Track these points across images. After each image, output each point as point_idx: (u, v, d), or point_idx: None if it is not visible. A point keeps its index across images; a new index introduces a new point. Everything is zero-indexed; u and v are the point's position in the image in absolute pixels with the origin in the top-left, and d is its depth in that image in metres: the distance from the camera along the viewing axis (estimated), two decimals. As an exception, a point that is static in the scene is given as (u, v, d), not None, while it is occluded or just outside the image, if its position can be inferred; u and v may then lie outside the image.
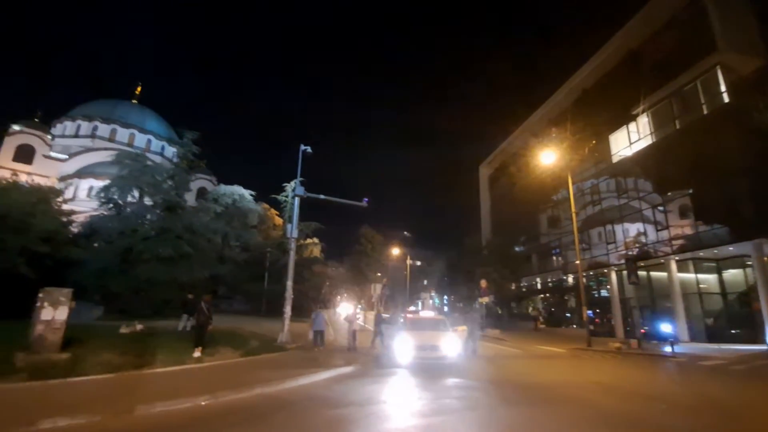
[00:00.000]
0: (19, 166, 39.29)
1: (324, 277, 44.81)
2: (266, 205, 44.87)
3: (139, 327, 14.20)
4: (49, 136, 45.13)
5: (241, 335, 15.17)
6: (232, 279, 32.27)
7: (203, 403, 6.27)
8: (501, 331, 26.43)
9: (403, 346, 11.00)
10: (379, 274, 57.56)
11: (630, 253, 23.78)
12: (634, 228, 24.71)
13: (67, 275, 19.68)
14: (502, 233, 40.52)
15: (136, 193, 26.43)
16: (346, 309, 23.28)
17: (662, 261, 21.71)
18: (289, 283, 14.56)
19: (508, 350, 17.23)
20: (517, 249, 38.62)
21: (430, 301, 62.88)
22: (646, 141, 23.85)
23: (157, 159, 45.05)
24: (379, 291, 50.03)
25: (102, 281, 21.40)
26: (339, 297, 60.09)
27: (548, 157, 22.27)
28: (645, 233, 23.70)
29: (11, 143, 41.31)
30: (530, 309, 36.56)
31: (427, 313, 18.37)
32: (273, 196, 39.68)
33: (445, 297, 58.62)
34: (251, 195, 40.20)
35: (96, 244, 24.25)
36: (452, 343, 11.03)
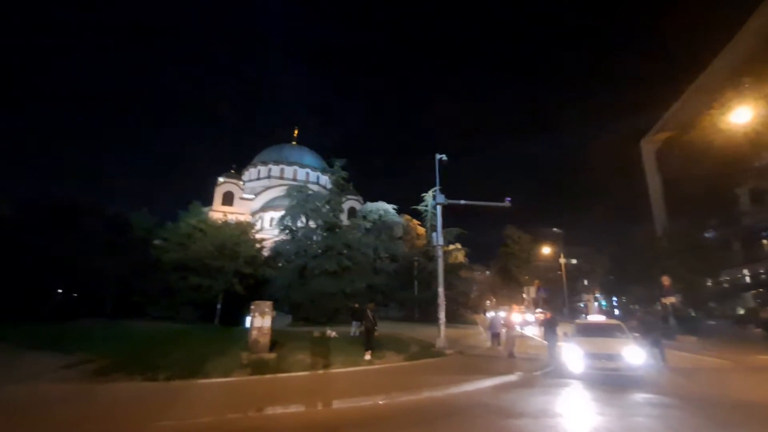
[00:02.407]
0: (225, 208, 51.30)
1: (471, 282, 44.21)
2: (408, 217, 47.13)
3: (332, 334, 16.21)
4: (242, 182, 57.64)
5: (402, 340, 16.17)
6: (386, 288, 34.79)
7: (381, 402, 6.96)
8: (698, 338, 21.30)
9: (574, 354, 9.98)
10: (527, 277, 53.59)
11: None
12: None
13: (263, 290, 24.59)
14: (682, 218, 32.88)
15: (303, 219, 31.26)
16: (491, 314, 22.60)
17: None
18: (441, 290, 14.92)
19: (711, 361, 13.78)
20: (707, 235, 30.75)
21: (595, 304, 55.07)
22: None
23: (315, 188, 52.43)
24: (533, 294, 46.50)
25: (288, 294, 25.91)
26: (488, 302, 58.20)
27: (742, 114, 17.27)
28: None
29: (219, 192, 54.37)
30: (740, 309, 28.43)
31: (597, 318, 16.22)
32: (413, 207, 41.48)
33: (614, 298, 50.49)
34: (394, 209, 42.89)
35: (280, 264, 29.57)
36: (635, 352, 9.50)
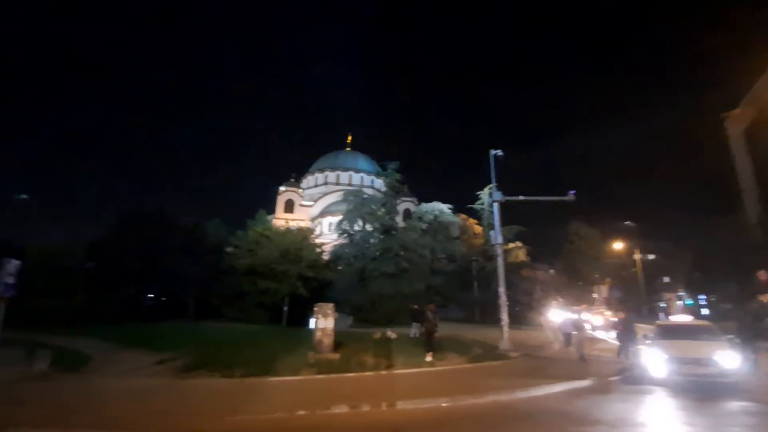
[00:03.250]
0: (287, 215, 54.14)
1: (534, 281, 42.09)
2: (464, 216, 46.15)
3: (392, 335, 16.45)
4: (301, 190, 60.48)
5: (464, 342, 15.89)
6: (444, 289, 34.36)
7: (444, 405, 6.92)
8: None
9: (655, 358, 9.10)
10: (597, 275, 49.71)
11: None
12: None
13: (325, 293, 25.50)
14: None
15: (360, 223, 31.95)
16: (562, 315, 21.21)
17: None
18: (502, 290, 14.44)
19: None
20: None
21: (679, 303, 49.45)
22: None
23: (370, 192, 53.34)
24: (605, 293, 43.05)
25: (348, 296, 26.61)
26: (554, 302, 54.77)
27: None
28: None
29: (281, 200, 57.58)
30: None
31: (682, 318, 14.61)
32: (469, 206, 40.58)
33: (702, 297, 44.99)
34: (449, 208, 42.27)
35: (340, 267, 30.49)
36: (729, 356, 8.44)
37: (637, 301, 43.81)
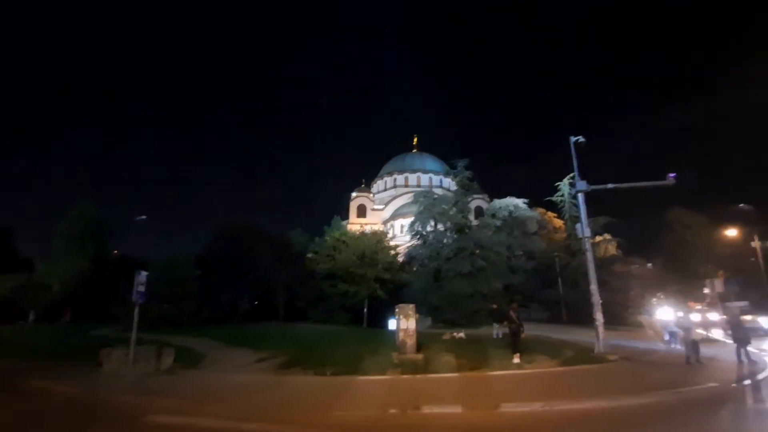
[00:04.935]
0: (360, 220, 56.05)
1: (629, 277, 38.07)
2: (542, 210, 43.53)
3: (459, 335, 16.50)
4: (371, 195, 62.20)
5: (552, 344, 15.04)
6: (525, 287, 32.74)
7: (540, 408, 6.64)
8: None
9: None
10: (709, 266, 43.19)
11: None
12: None
13: (402, 294, 25.87)
14: None
15: (432, 223, 31.86)
16: (668, 313, 18.76)
17: None
18: (594, 287, 13.38)
19: None
20: None
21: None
22: None
23: (439, 192, 52.88)
24: (719, 287, 37.36)
25: (425, 297, 26.67)
26: (654, 299, 48.85)
27: None
28: None
29: (353, 206, 59.82)
30: None
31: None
32: (547, 199, 38.19)
33: None
34: (525, 203, 40.21)
35: (414, 269, 30.69)
36: None
37: (759, 296, 37.36)
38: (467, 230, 29.50)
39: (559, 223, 42.28)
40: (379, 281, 26.20)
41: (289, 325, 22.02)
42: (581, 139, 14.90)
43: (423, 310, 26.59)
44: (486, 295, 24.51)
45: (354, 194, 61.00)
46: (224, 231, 28.71)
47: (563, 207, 35.80)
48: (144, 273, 11.81)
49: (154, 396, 8.90)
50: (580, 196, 14.59)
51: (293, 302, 27.95)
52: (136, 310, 11.86)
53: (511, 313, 11.82)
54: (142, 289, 11.61)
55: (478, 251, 27.12)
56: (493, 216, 40.09)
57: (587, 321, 13.33)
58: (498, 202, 42.27)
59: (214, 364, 12.85)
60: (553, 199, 37.11)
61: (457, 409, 6.69)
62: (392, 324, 23.48)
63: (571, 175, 33.22)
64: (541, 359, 11.34)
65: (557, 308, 33.11)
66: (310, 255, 29.99)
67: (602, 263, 32.81)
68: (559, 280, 33.33)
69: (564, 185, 34.95)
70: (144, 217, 29.26)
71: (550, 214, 43.87)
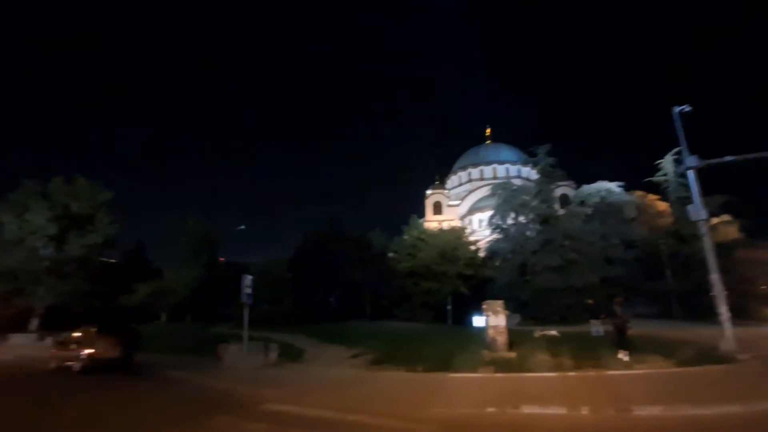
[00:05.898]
0: (436, 217, 55.70)
1: (755, 264, 32.17)
2: (641, 192, 38.93)
3: (551, 332, 15.57)
4: (446, 191, 61.44)
5: (664, 341, 13.42)
6: (626, 280, 29.62)
7: (658, 413, 6.04)
8: None
9: None
10: None
11: None
12: None
13: (486, 290, 25.18)
14: None
15: (513, 215, 30.46)
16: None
17: None
18: (715, 276, 11.63)
19: None
20: None
21: None
22: None
23: (518, 182, 50.25)
24: None
25: (510, 293, 25.62)
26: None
27: None
28: None
29: (428, 203, 59.62)
30: None
31: None
32: (647, 179, 34.09)
33: None
34: (619, 186, 36.32)
35: (497, 263, 29.63)
36: None
37: None
38: (553, 221, 27.64)
39: (662, 206, 37.45)
40: (461, 278, 25.86)
41: (375, 323, 22.84)
42: (687, 108, 13.07)
43: (510, 306, 25.56)
44: (580, 290, 22.74)
45: (429, 192, 60.80)
46: (311, 235, 30.89)
47: (667, 188, 31.74)
48: (249, 277, 13.24)
49: (266, 386, 9.95)
50: (691, 173, 12.76)
51: (378, 301, 28.86)
52: (246, 310, 13.35)
53: (614, 307, 10.85)
54: (249, 291, 13.02)
55: (567, 242, 25.24)
56: (582, 203, 36.98)
57: (704, 315, 11.59)
58: (587, 188, 38.80)
59: (313, 359, 13.90)
60: (655, 179, 33.04)
61: (560, 410, 6.38)
62: (478, 321, 23.00)
63: (676, 150, 29.40)
64: (654, 359, 10.19)
65: (666, 302, 29.38)
66: (391, 254, 30.68)
67: (722, 249, 28.26)
68: (667, 270, 29.54)
69: (667, 163, 31.00)
70: (243, 226, 32.80)
71: (651, 196, 39.09)
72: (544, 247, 25.69)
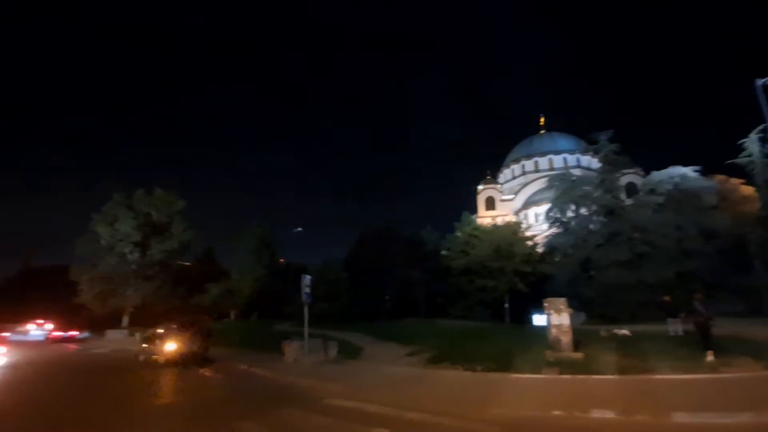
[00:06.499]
0: (489, 213, 54.21)
1: None
2: (721, 177, 34.97)
3: (622, 331, 14.52)
4: (499, 185, 59.46)
5: (756, 342, 11.96)
6: (706, 274, 26.73)
7: (749, 420, 5.46)
8: None
9: None
10: None
11: None
12: None
13: (545, 287, 24.04)
14: None
15: (573, 208, 28.75)
16: None
17: None
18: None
19: None
20: None
21: None
22: None
23: (577, 172, 47.33)
24: None
25: (573, 290, 24.21)
26: None
27: None
28: None
29: (480, 199, 58.10)
30: None
31: None
32: (728, 162, 30.44)
33: None
34: (695, 171, 32.85)
35: (557, 259, 28.15)
36: None
37: None
38: (620, 212, 25.74)
39: (748, 190, 33.29)
40: (518, 274, 24.91)
41: (430, 321, 22.77)
42: (771, 80, 11.58)
43: (573, 304, 24.23)
44: (652, 286, 20.95)
45: (480, 187, 59.26)
46: (365, 235, 31.64)
47: (753, 170, 28.11)
48: (308, 277, 13.87)
49: (327, 382, 10.37)
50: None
51: (432, 299, 28.75)
52: (306, 309, 13.99)
53: (696, 304, 9.91)
54: (308, 290, 13.64)
55: (636, 235, 23.38)
56: (653, 192, 33.95)
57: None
58: (657, 175, 35.56)
59: (371, 356, 14.21)
60: (738, 161, 29.42)
61: (635, 416, 5.96)
62: (538, 319, 22.06)
63: (761, 128, 26.15)
64: (743, 361, 9.13)
65: (756, 298, 26.07)
66: (443, 252, 30.37)
67: (831, 237, 24.56)
68: (756, 262, 26.21)
69: (752, 142, 27.48)
70: (300, 229, 34.41)
71: (734, 180, 35.01)
72: (610, 241, 23.99)
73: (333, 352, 14.56)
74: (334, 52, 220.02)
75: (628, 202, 33.78)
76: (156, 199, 34.05)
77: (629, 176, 46.47)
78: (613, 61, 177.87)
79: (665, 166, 35.50)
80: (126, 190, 33.89)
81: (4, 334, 26.36)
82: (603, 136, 27.66)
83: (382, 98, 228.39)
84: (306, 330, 13.86)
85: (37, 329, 33.63)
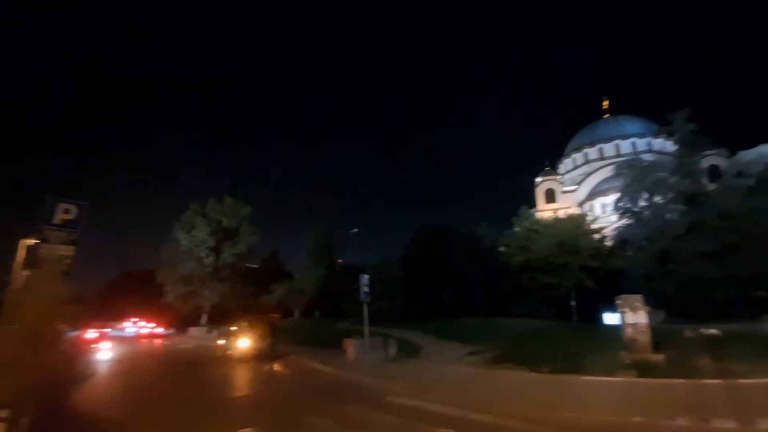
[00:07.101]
0: (549, 206, 51.29)
1: None
2: (830, 152, 29.99)
3: (710, 331, 13.10)
4: (559, 176, 56.05)
5: None
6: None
7: None
8: None
9: None
10: None
11: None
12: None
13: (616, 283, 22.27)
14: None
15: (645, 196, 26.35)
16: None
17: None
18: None
19: None
20: None
21: None
22: None
23: (649, 157, 43.20)
24: None
25: (649, 286, 22.14)
26: None
27: None
28: None
29: (539, 191, 55.19)
30: None
31: None
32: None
33: None
34: (794, 147, 28.59)
35: (629, 253, 25.94)
36: None
37: None
38: (702, 198, 23.08)
39: None
40: (585, 270, 23.26)
41: (490, 319, 22.09)
42: None
43: (649, 301, 22.21)
44: (744, 280, 18.58)
45: (539, 179, 56.35)
46: (421, 233, 31.61)
47: None
48: (366, 276, 14.19)
49: (388, 380, 10.54)
50: None
51: (491, 297, 27.87)
52: (365, 308, 14.33)
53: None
54: (366, 289, 13.97)
55: (723, 223, 20.79)
56: (740, 174, 30.04)
57: None
58: (745, 155, 31.49)
59: (431, 355, 14.20)
60: None
61: (728, 424, 5.38)
62: (610, 318, 20.52)
63: None
64: None
65: None
66: (502, 248, 29.33)
67: None
68: None
69: None
70: (356, 230, 35.40)
71: None
72: (691, 231, 21.58)
73: (393, 350, 14.75)
74: (387, 45, 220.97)
75: (711, 187, 30.23)
76: (226, 207, 37.07)
77: (711, 158, 41.53)
78: (685, 32, 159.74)
79: (753, 146, 31.30)
80: (200, 199, 37.50)
81: (106, 330, 30.25)
82: (678, 116, 25.00)
83: (435, 94, 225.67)
84: (366, 328, 14.19)
85: (131, 326, 38.70)
